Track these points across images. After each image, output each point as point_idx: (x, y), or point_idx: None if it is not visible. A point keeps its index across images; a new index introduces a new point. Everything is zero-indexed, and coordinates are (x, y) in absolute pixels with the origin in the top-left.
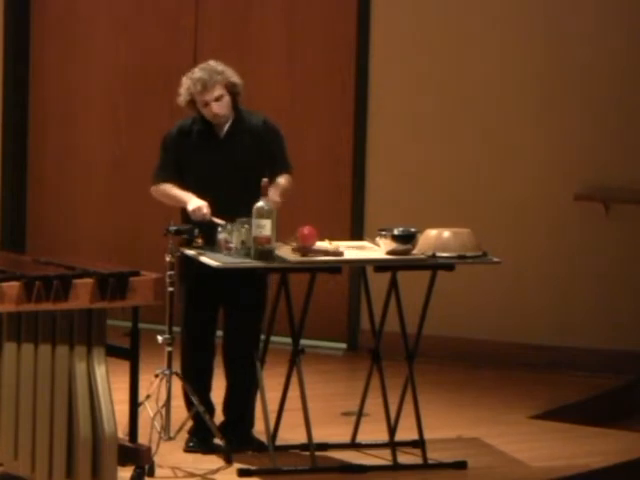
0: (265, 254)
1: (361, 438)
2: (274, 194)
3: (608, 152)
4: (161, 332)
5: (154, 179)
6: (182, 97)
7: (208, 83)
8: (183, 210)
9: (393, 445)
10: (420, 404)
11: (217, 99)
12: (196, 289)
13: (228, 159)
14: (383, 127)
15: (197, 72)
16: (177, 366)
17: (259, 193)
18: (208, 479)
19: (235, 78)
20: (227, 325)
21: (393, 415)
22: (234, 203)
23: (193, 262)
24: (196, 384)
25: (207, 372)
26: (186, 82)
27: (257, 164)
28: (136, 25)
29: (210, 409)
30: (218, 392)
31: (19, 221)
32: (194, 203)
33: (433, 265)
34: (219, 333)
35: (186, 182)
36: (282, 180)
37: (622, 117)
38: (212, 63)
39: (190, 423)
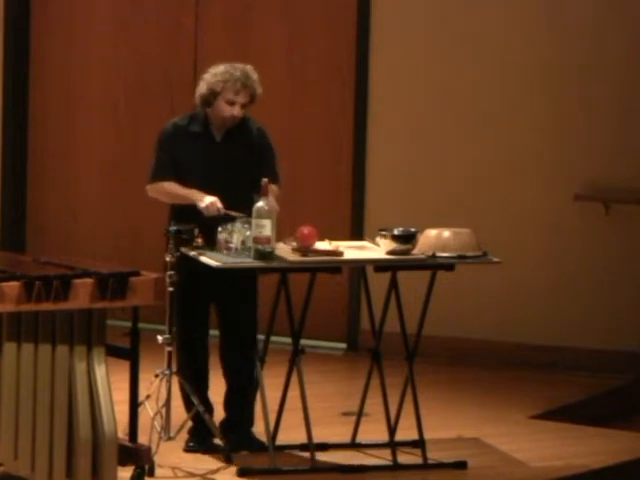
0: (265, 254)
1: (361, 438)
2: (274, 201)
3: (608, 152)
4: (161, 332)
5: (151, 177)
6: (208, 86)
7: (246, 86)
8: (173, 207)
9: (393, 445)
10: (420, 404)
11: (243, 105)
12: (189, 288)
13: (225, 162)
14: (383, 127)
15: (237, 71)
16: (176, 366)
17: (255, 193)
18: (208, 479)
19: (260, 91)
20: (222, 324)
21: (393, 415)
22: (232, 205)
23: (186, 261)
24: (194, 384)
25: (204, 371)
26: (223, 74)
27: (252, 167)
28: (136, 25)
29: (209, 409)
30: (217, 392)
31: (19, 221)
32: (207, 199)
33: (433, 265)
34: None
35: (184, 183)
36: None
37: (622, 117)
38: (248, 68)
39: (190, 423)
